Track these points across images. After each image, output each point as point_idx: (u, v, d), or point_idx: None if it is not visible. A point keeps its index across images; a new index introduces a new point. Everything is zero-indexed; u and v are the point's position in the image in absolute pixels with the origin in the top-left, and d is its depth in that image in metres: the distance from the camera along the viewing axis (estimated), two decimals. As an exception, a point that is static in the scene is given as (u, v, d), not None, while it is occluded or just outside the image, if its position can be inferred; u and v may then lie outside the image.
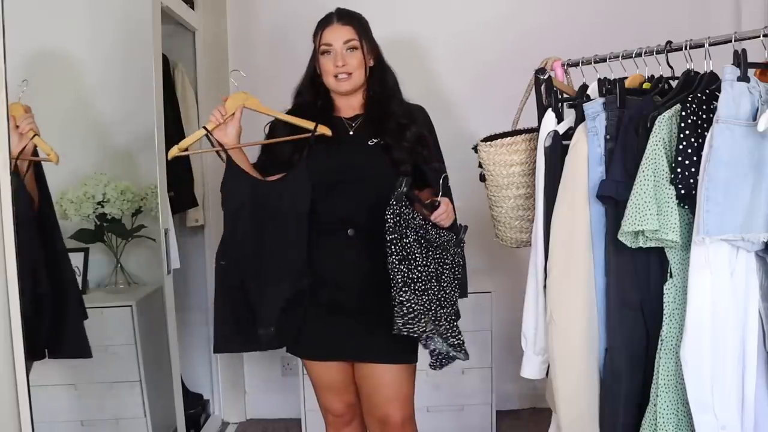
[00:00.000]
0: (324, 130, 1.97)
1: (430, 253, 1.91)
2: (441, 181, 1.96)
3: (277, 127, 2.07)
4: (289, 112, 2.08)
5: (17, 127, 1.84)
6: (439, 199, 1.94)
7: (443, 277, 1.94)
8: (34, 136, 1.87)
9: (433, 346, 2.00)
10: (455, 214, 2.00)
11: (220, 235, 3.14)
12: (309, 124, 1.97)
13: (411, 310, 1.83)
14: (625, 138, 1.59)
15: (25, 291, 1.66)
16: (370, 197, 1.94)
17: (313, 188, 1.96)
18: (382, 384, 2.02)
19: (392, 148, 1.99)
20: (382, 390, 2.02)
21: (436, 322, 1.90)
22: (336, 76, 1.99)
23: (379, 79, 2.07)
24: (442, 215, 1.92)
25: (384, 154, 1.99)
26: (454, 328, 1.96)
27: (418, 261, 1.86)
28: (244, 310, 1.99)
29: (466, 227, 2.03)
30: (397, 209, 1.83)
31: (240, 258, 1.97)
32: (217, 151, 1.95)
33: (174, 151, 1.97)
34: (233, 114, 1.96)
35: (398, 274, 1.83)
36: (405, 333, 1.85)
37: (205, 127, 1.94)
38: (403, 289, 1.83)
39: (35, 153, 1.92)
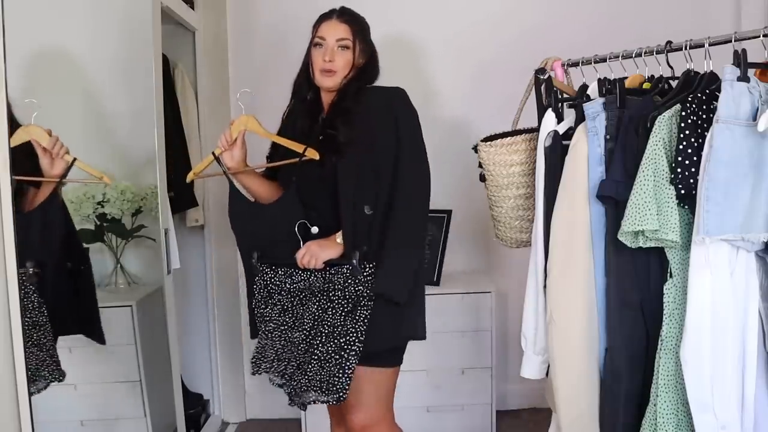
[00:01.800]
0: (312, 154, 1.98)
1: (310, 298, 1.96)
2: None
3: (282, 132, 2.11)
4: (287, 110, 2.10)
5: (46, 150, 1.93)
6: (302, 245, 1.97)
7: (318, 322, 1.92)
8: (74, 160, 1.97)
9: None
10: (350, 239, 1.91)
11: (220, 235, 3.18)
12: (298, 147, 1.99)
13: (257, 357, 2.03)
14: (625, 138, 1.59)
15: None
16: (330, 192, 1.95)
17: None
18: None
19: (336, 132, 1.98)
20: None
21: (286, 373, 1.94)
22: (322, 71, 2.00)
23: (362, 76, 2.04)
24: (301, 262, 1.94)
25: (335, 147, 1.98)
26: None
27: (280, 315, 1.99)
28: None
29: (357, 253, 1.91)
30: (258, 281, 2.01)
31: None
32: (225, 174, 2.05)
33: (190, 176, 2.14)
34: (236, 139, 2.04)
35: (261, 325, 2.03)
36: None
37: (213, 153, 2.04)
38: (260, 339, 2.03)
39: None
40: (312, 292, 1.96)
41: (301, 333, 1.94)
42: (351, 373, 1.85)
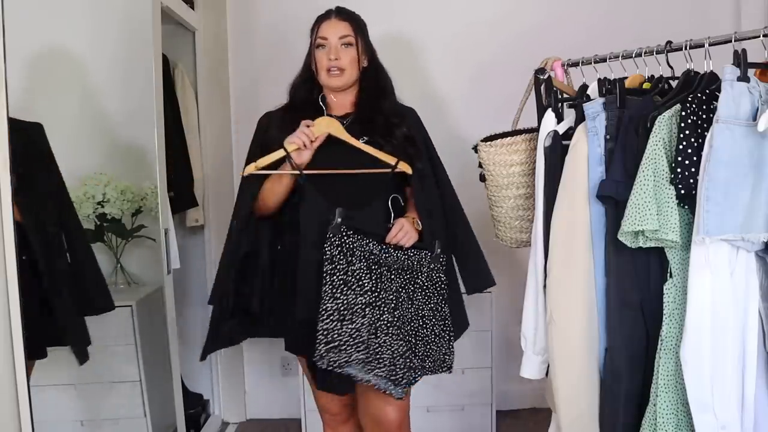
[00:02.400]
0: (405, 168, 1.98)
1: (392, 276, 1.92)
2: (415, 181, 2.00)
3: (270, 125, 2.07)
4: (284, 107, 2.09)
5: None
6: (393, 221, 1.96)
7: (406, 302, 1.93)
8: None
9: (362, 377, 1.91)
10: (429, 230, 1.98)
11: (220, 235, 3.17)
12: (390, 159, 1.97)
13: (333, 339, 1.84)
14: (625, 138, 1.59)
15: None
16: (359, 195, 1.95)
17: (306, 186, 1.97)
18: None
19: (380, 146, 1.98)
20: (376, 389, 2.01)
21: (370, 358, 1.87)
22: (329, 71, 1.99)
23: (372, 79, 2.06)
24: (395, 236, 1.92)
25: (376, 180, 1.98)
26: (399, 366, 1.90)
27: (366, 287, 1.86)
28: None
29: (438, 241, 1.98)
30: (336, 240, 1.85)
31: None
32: (296, 174, 1.95)
33: (251, 169, 1.97)
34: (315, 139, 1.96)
35: (329, 302, 1.84)
36: (326, 363, 1.85)
37: (285, 149, 1.94)
38: (331, 317, 1.84)
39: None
40: (394, 269, 1.92)
41: (389, 314, 1.89)
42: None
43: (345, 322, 1.84)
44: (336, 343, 1.84)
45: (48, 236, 1.93)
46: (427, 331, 1.97)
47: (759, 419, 1.47)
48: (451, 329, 2.01)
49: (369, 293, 1.87)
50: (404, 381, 1.91)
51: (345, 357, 1.85)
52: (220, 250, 3.13)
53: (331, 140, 1.99)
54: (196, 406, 3.12)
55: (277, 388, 3.34)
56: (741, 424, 1.46)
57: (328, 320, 1.84)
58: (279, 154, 1.94)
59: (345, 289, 1.85)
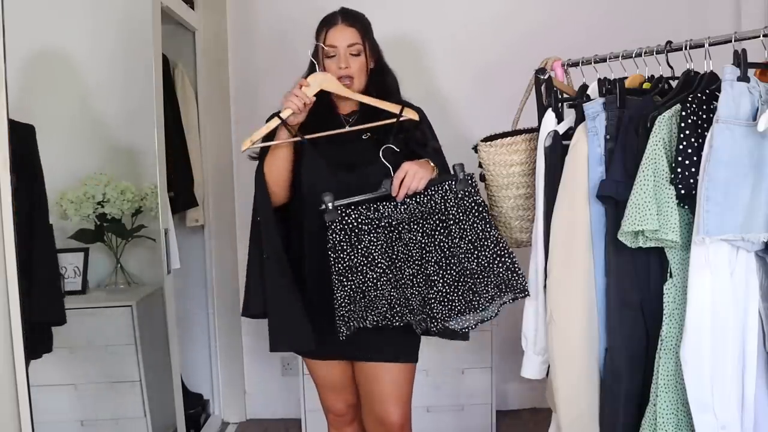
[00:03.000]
0: (410, 113, 1.94)
1: (415, 227, 1.84)
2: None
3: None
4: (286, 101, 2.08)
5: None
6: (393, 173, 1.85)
7: (445, 242, 1.84)
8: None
9: (463, 324, 1.86)
10: (436, 163, 1.92)
11: (220, 235, 3.17)
12: (394, 107, 1.93)
13: (350, 318, 1.87)
14: (625, 138, 1.59)
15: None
16: (365, 191, 1.94)
17: (312, 183, 1.95)
18: (382, 383, 2.02)
19: (385, 141, 1.97)
20: (381, 389, 2.02)
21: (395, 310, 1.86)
22: (339, 80, 1.98)
23: (379, 80, 2.07)
24: (401, 186, 1.83)
25: (376, 148, 1.96)
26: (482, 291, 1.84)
27: (377, 260, 1.83)
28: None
29: (461, 165, 1.87)
30: (337, 225, 1.82)
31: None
32: (296, 141, 1.87)
33: (247, 144, 1.90)
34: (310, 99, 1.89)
35: (339, 291, 1.86)
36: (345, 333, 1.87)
37: (279, 117, 1.86)
38: (342, 305, 1.85)
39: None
40: (416, 220, 1.85)
41: (411, 268, 1.84)
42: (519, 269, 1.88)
43: (358, 302, 1.86)
44: (354, 321, 1.88)
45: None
46: (475, 263, 1.85)
47: (759, 419, 1.47)
48: (509, 250, 1.87)
49: (382, 265, 1.84)
50: (440, 318, 1.84)
51: (362, 319, 1.88)
52: (220, 250, 3.18)
53: (333, 129, 1.97)
54: (196, 406, 3.12)
55: (277, 388, 3.34)
56: (741, 424, 1.46)
57: (341, 308, 1.86)
58: (274, 123, 1.89)
59: (350, 274, 1.85)
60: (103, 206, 2.56)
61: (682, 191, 1.47)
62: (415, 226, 1.86)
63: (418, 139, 2.00)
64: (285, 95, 1.91)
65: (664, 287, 1.53)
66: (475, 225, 1.87)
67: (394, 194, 1.84)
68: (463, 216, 1.86)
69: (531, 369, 1.92)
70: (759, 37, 1.46)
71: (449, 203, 1.86)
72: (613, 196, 1.58)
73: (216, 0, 3.16)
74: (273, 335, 1.97)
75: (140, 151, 2.68)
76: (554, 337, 1.73)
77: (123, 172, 2.65)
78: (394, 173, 1.87)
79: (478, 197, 1.87)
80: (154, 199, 2.57)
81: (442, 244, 1.86)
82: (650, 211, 1.47)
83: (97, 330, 2.50)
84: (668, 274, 1.54)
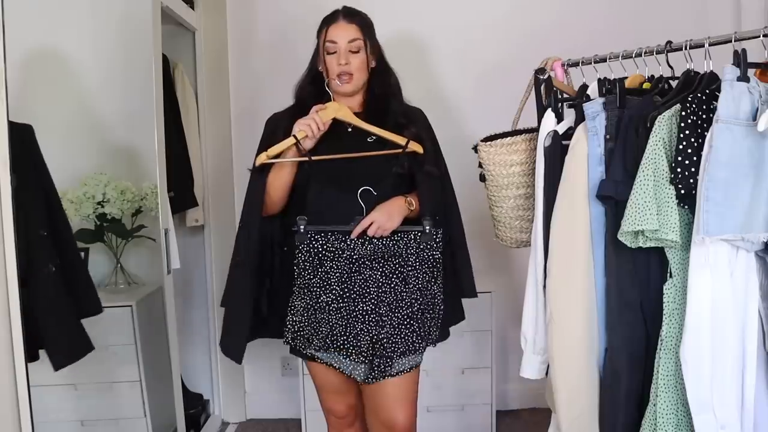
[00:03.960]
0: (416, 147, 2.00)
1: (374, 265, 1.95)
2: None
3: (279, 122, 2.07)
4: (290, 109, 2.08)
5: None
6: (363, 215, 1.95)
7: (399, 286, 1.96)
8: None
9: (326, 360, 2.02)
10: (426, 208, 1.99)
11: (220, 235, 3.18)
12: (400, 140, 1.99)
13: (297, 330, 2.00)
14: (625, 138, 1.59)
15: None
16: (369, 194, 1.95)
17: (314, 186, 1.98)
18: (388, 387, 2.00)
19: (389, 145, 1.99)
20: (388, 392, 2.00)
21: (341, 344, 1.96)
22: (339, 76, 1.99)
23: (381, 80, 2.07)
24: (362, 230, 1.92)
25: (383, 159, 1.99)
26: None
27: (333, 286, 1.95)
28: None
29: (429, 219, 1.98)
30: (304, 247, 1.94)
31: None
32: (306, 162, 1.96)
33: (263, 158, 1.97)
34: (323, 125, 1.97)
35: (297, 301, 2.01)
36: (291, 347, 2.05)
37: (295, 136, 1.94)
38: (295, 314, 2.01)
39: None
40: (374, 259, 1.95)
41: (366, 304, 1.94)
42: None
43: (307, 318, 1.98)
44: (301, 333, 1.99)
45: (35, 239, 1.91)
46: (417, 308, 1.97)
47: (759, 419, 1.47)
48: (438, 308, 2.03)
49: (336, 291, 1.94)
50: (381, 366, 1.95)
51: (307, 344, 1.99)
52: (220, 250, 3.18)
53: (337, 132, 2.00)
54: (196, 406, 3.12)
55: (277, 388, 3.34)
56: (741, 424, 1.46)
57: (293, 316, 2.00)
58: (289, 142, 1.95)
59: (307, 291, 1.97)
60: (103, 206, 2.56)
61: (682, 191, 1.47)
62: (376, 264, 1.96)
63: (417, 158, 2.02)
64: (299, 121, 1.96)
65: (664, 287, 1.53)
66: (425, 275, 1.99)
67: (353, 235, 1.93)
68: (419, 266, 1.98)
69: (530, 369, 1.92)
70: (759, 37, 1.46)
71: (410, 251, 1.97)
72: (613, 196, 1.58)
73: (216, 0, 3.16)
74: (222, 336, 2.12)
75: (140, 151, 2.68)
76: (554, 337, 1.73)
77: (123, 172, 2.65)
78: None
79: (436, 253, 2.00)
80: (154, 199, 2.57)
81: (396, 287, 1.96)
82: (650, 211, 1.47)
83: (97, 330, 2.49)
84: (668, 274, 1.54)
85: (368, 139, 2.01)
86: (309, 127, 1.93)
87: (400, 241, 1.97)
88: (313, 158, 1.95)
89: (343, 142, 2.00)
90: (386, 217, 1.94)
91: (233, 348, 2.05)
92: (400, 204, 1.97)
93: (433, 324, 2.03)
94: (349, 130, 2.03)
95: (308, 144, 1.95)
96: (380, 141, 2.00)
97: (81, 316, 2.08)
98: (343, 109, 1.99)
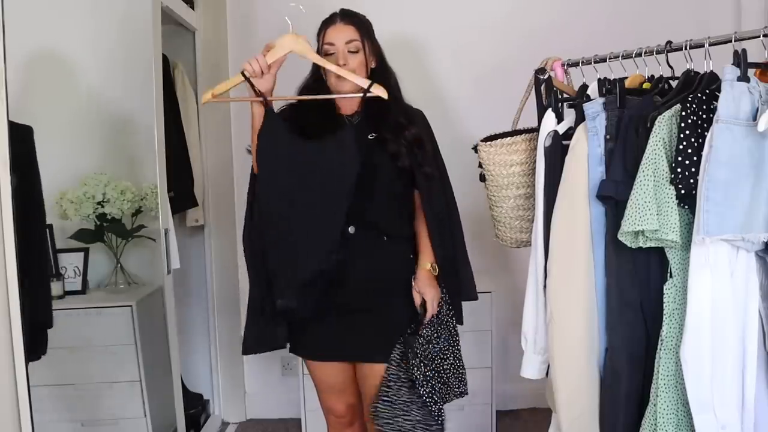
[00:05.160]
0: (379, 90, 1.94)
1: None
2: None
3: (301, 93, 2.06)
4: (291, 107, 2.08)
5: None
6: (418, 296, 2.01)
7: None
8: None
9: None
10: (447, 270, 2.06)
11: (220, 235, 3.18)
12: (363, 81, 1.93)
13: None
14: (625, 138, 1.59)
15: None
16: (370, 191, 1.95)
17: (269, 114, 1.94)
18: None
19: (390, 142, 1.99)
20: None
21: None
22: (338, 77, 1.99)
23: (381, 80, 2.07)
24: (432, 305, 2.00)
25: (383, 149, 1.99)
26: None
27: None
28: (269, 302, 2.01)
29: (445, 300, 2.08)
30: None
31: (272, 219, 1.92)
32: (259, 101, 1.86)
33: (207, 96, 1.87)
34: (275, 61, 1.89)
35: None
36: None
37: (243, 74, 1.86)
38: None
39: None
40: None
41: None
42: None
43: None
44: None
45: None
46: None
47: (759, 419, 1.47)
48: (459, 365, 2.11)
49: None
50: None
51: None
52: (220, 250, 3.18)
53: (332, 117, 2.00)
54: (196, 406, 3.12)
55: (277, 388, 3.34)
56: (741, 424, 1.46)
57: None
58: (238, 79, 1.89)
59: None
60: (103, 206, 2.56)
61: (682, 191, 1.47)
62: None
63: (417, 159, 2.02)
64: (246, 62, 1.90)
65: (664, 287, 1.53)
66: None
67: (427, 318, 2.01)
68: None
69: (531, 369, 1.92)
70: (759, 37, 1.46)
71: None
72: (613, 196, 1.58)
73: (216, 0, 3.16)
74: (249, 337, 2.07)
75: (140, 150, 2.68)
76: (554, 336, 1.73)
77: (123, 172, 2.65)
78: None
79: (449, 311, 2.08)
80: (154, 199, 2.57)
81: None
82: (650, 211, 1.47)
83: (97, 330, 2.50)
84: (668, 274, 1.54)
85: (368, 137, 2.01)
86: (249, 66, 1.88)
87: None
88: (269, 99, 1.87)
89: (337, 136, 1.97)
90: (435, 291, 2.02)
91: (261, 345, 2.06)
92: (430, 276, 2.03)
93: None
94: (335, 115, 2.03)
95: (262, 85, 1.89)
96: (379, 138, 2.00)
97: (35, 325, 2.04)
98: (300, 42, 1.91)
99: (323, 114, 2.00)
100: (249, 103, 1.94)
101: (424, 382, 1.95)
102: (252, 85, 1.89)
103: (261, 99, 1.87)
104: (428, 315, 2.00)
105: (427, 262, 2.03)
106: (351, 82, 1.98)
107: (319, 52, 2.03)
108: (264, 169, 1.93)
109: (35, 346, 1.99)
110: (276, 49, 1.89)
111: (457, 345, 2.09)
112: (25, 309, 1.85)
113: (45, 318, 2.09)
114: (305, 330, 2.04)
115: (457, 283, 2.12)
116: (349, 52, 1.99)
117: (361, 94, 1.95)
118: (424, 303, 2.00)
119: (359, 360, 2.04)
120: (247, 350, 2.08)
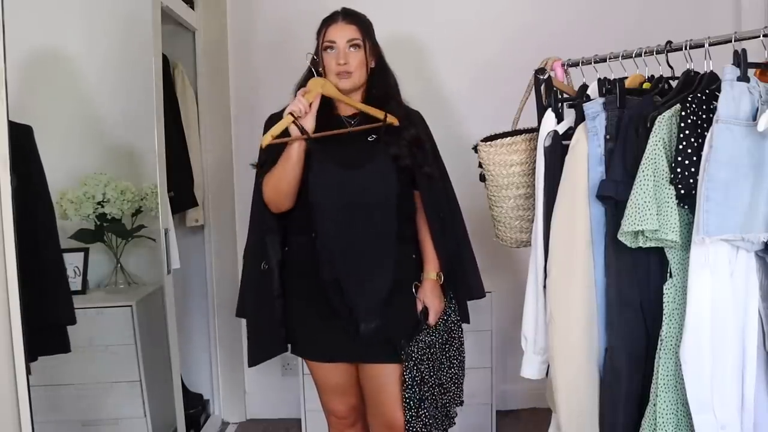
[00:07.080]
0: (393, 120, 2.00)
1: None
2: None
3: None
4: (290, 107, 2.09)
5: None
6: (421, 305, 2.03)
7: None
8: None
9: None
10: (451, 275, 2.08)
11: (221, 235, 3.17)
12: (379, 113, 2.00)
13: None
14: (625, 138, 1.59)
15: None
16: (372, 193, 1.95)
17: (316, 187, 1.97)
18: (388, 384, 2.01)
19: (390, 143, 1.99)
20: (388, 391, 2.01)
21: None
22: (338, 75, 1.99)
23: (380, 80, 2.07)
24: (435, 317, 2.03)
25: (383, 150, 2.00)
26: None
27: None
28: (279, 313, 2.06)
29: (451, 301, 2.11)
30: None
31: (337, 251, 1.97)
32: (305, 139, 1.95)
33: (267, 139, 1.95)
34: (312, 104, 1.96)
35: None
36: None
37: (292, 114, 1.94)
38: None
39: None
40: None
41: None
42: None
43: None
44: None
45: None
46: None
47: (759, 419, 1.47)
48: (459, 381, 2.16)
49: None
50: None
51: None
52: (220, 250, 3.18)
53: (331, 118, 2.02)
54: (196, 406, 3.12)
55: (277, 388, 3.34)
56: (741, 424, 1.46)
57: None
58: (286, 121, 1.94)
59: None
60: (103, 206, 2.56)
61: (682, 191, 1.47)
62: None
63: (417, 159, 2.03)
64: (289, 105, 1.97)
65: (664, 287, 1.53)
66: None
67: (431, 323, 2.04)
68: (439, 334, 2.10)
69: (531, 369, 1.92)
70: (759, 37, 1.46)
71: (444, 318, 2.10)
72: (613, 196, 1.58)
73: (216, 0, 3.16)
74: (253, 348, 2.09)
75: (140, 151, 2.69)
76: (554, 336, 1.73)
77: (123, 172, 2.66)
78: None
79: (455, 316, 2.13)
80: (154, 199, 2.57)
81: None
82: (650, 211, 1.47)
83: (97, 330, 2.50)
84: (668, 274, 1.54)
85: (368, 138, 2.01)
86: (296, 106, 1.94)
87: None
88: (311, 136, 1.94)
89: (344, 143, 2.00)
90: (439, 303, 2.05)
91: (266, 354, 2.09)
92: (436, 286, 2.05)
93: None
94: (349, 128, 2.03)
95: (307, 123, 1.94)
96: (378, 141, 2.00)
97: (54, 323, 2.06)
98: (327, 84, 1.99)
99: (322, 116, 2.00)
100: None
101: (413, 385, 1.98)
102: (297, 125, 1.94)
103: (305, 137, 1.94)
104: (431, 322, 2.02)
105: (432, 271, 2.04)
106: (350, 81, 2.00)
107: (318, 49, 2.03)
108: (320, 200, 1.97)
109: (61, 344, 2.06)
110: (311, 92, 1.96)
111: (462, 355, 2.12)
112: (44, 309, 1.94)
113: (68, 316, 2.11)
114: (307, 331, 2.04)
115: (464, 282, 2.13)
116: (350, 48, 1.99)
117: (380, 124, 2.00)
118: (424, 310, 2.01)
119: (363, 360, 2.04)
120: (254, 362, 2.09)
